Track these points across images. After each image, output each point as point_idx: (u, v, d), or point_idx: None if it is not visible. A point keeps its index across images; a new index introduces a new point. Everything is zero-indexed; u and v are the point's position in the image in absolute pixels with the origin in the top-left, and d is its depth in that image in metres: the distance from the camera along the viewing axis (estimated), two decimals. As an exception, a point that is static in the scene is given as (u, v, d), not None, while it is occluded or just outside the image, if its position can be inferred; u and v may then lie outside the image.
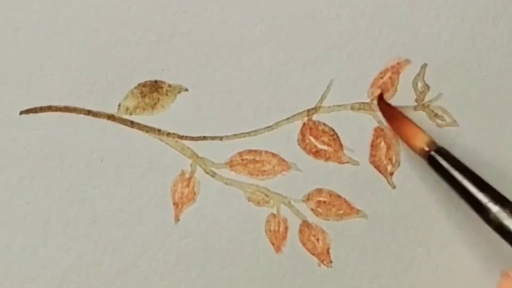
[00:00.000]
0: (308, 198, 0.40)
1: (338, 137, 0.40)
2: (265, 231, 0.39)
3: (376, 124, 0.40)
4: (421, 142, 0.37)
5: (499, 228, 0.33)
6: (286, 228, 0.40)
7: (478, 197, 0.34)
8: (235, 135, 0.39)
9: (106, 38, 0.37)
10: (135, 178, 0.38)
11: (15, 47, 0.37)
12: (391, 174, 0.40)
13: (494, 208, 0.33)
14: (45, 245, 0.38)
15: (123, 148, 0.38)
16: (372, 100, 0.40)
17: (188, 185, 0.39)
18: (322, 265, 0.40)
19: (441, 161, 0.36)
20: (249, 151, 0.39)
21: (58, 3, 0.37)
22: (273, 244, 0.39)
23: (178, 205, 0.39)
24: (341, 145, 0.40)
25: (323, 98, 0.39)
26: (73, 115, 0.38)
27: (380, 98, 0.39)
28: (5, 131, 0.37)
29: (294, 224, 0.40)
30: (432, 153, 0.37)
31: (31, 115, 0.38)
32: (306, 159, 0.40)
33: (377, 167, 0.40)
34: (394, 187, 0.40)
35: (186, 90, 0.38)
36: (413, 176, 0.40)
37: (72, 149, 0.38)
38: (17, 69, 0.37)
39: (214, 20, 0.38)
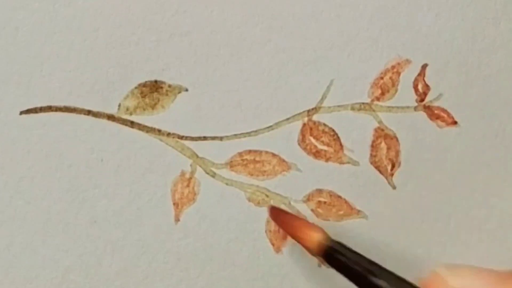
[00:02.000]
0: (308, 199, 0.40)
1: (338, 137, 0.40)
2: (265, 231, 0.39)
3: (376, 125, 0.40)
4: (313, 241, 0.36)
5: None
6: (286, 228, 0.40)
7: (378, 283, 0.34)
8: (235, 135, 0.39)
9: (106, 38, 0.37)
10: (135, 178, 0.38)
11: (15, 47, 0.37)
12: (392, 174, 0.40)
13: None
14: (45, 245, 0.38)
15: (123, 148, 0.38)
16: (372, 100, 0.40)
17: (188, 185, 0.39)
18: (322, 265, 0.40)
19: (336, 258, 0.36)
20: (249, 151, 0.39)
21: (58, 3, 0.37)
22: (273, 244, 0.39)
23: (178, 205, 0.39)
24: (341, 145, 0.40)
25: (323, 98, 0.39)
26: (73, 115, 0.38)
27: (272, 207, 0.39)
28: (5, 131, 0.37)
29: (294, 224, 0.40)
30: (324, 251, 0.36)
31: (31, 115, 0.38)
32: (306, 159, 0.39)
33: (377, 168, 0.40)
34: (394, 188, 0.40)
35: (186, 90, 0.38)
36: (413, 177, 0.40)
37: (72, 149, 0.38)
38: (17, 69, 0.37)
39: (214, 20, 0.38)
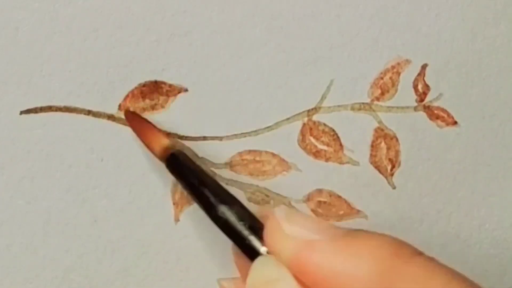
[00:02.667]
0: (308, 199, 0.40)
1: (338, 137, 0.40)
2: (265, 231, 0.39)
3: (376, 125, 0.40)
4: (160, 146, 0.37)
5: (225, 224, 0.34)
6: (286, 228, 0.40)
7: (208, 197, 0.35)
8: (235, 135, 0.39)
9: (106, 38, 0.37)
10: (135, 178, 0.38)
11: (15, 47, 0.37)
12: (391, 174, 0.40)
13: (221, 207, 0.34)
14: (45, 245, 0.38)
15: (123, 148, 0.38)
16: (372, 100, 0.40)
17: (188, 185, 0.39)
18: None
19: (177, 165, 0.36)
20: (249, 151, 0.39)
21: (58, 3, 0.37)
22: (273, 244, 0.39)
23: (178, 205, 0.39)
24: (341, 145, 0.40)
25: (323, 98, 0.39)
26: (73, 115, 0.38)
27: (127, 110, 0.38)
28: (5, 131, 0.37)
29: (294, 224, 0.40)
30: (168, 156, 0.37)
31: (31, 115, 0.38)
32: (306, 159, 0.40)
33: (377, 168, 0.40)
34: (394, 188, 0.40)
35: (186, 90, 0.38)
36: (413, 177, 0.40)
37: (72, 149, 0.38)
38: (17, 69, 0.37)
39: (214, 20, 0.38)
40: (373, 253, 0.29)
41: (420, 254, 0.29)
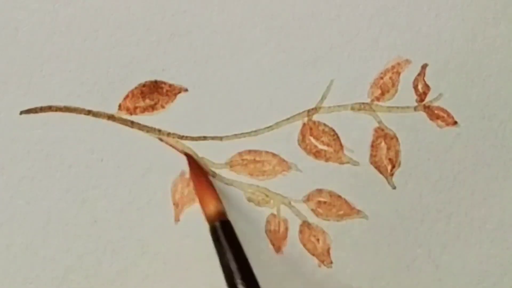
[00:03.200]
0: (308, 199, 0.40)
1: (338, 137, 0.40)
2: (265, 231, 0.39)
3: (376, 125, 0.40)
4: (215, 209, 0.37)
5: None
6: (286, 228, 0.40)
7: (234, 273, 0.36)
8: (235, 135, 0.39)
9: (106, 38, 0.37)
10: (135, 178, 0.38)
11: (15, 47, 0.37)
12: (391, 174, 0.40)
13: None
14: (45, 245, 0.38)
15: (123, 148, 0.38)
16: (372, 100, 0.40)
17: (188, 186, 0.39)
18: (322, 265, 0.40)
19: (224, 233, 0.37)
20: (249, 151, 0.39)
21: (58, 3, 0.37)
22: (273, 244, 0.39)
23: (178, 205, 0.39)
24: (341, 145, 0.40)
25: (323, 98, 0.39)
26: (73, 115, 0.38)
27: (190, 158, 0.39)
28: (5, 131, 0.37)
29: (294, 224, 0.40)
30: (216, 223, 0.37)
31: (31, 115, 0.38)
32: (306, 159, 0.39)
33: (377, 168, 0.40)
34: (394, 188, 0.40)
35: (186, 90, 0.38)
36: (413, 177, 0.40)
37: (72, 149, 0.38)
38: (17, 69, 0.37)
39: (214, 20, 0.38)
40: None
41: None
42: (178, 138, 0.39)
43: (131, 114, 0.38)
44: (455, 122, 0.40)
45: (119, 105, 0.38)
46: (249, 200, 0.39)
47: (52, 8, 0.37)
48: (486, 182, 0.40)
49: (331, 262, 0.40)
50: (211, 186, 0.38)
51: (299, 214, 0.40)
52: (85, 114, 0.38)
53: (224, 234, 0.36)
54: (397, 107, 0.40)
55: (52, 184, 0.38)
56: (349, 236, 0.40)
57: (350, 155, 0.40)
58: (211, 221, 0.37)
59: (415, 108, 0.40)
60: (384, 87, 0.40)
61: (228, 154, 0.39)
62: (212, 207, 0.37)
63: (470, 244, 0.40)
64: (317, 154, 0.40)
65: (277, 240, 0.39)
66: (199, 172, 0.39)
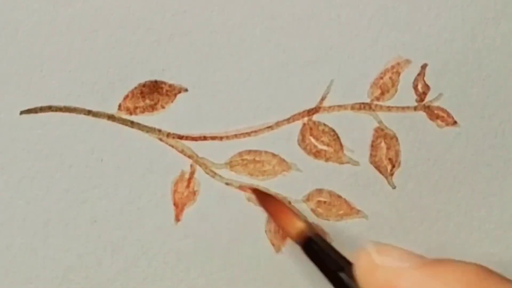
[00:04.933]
0: (308, 199, 0.40)
1: (338, 137, 0.40)
2: (265, 231, 0.39)
3: (376, 124, 0.40)
4: (296, 229, 0.38)
5: None
6: (286, 228, 0.40)
7: (347, 283, 0.36)
8: (235, 135, 0.39)
9: (106, 38, 0.37)
10: (135, 178, 0.38)
11: (15, 47, 0.37)
12: (391, 174, 0.40)
13: None
14: (45, 245, 0.38)
15: (123, 148, 0.38)
16: (372, 100, 0.40)
17: (188, 186, 0.39)
18: (322, 265, 0.40)
19: (314, 249, 0.37)
20: (249, 151, 0.39)
21: (58, 3, 0.37)
22: (273, 244, 0.39)
23: (178, 206, 0.39)
24: (341, 145, 0.40)
25: (323, 98, 0.39)
26: (73, 115, 0.38)
27: (255, 190, 0.39)
28: (5, 131, 0.37)
29: (294, 224, 0.40)
30: (306, 240, 0.37)
31: (31, 115, 0.38)
32: (306, 159, 0.39)
33: (377, 167, 0.40)
34: (394, 188, 0.40)
35: (186, 90, 0.38)
36: (413, 176, 0.40)
37: (72, 149, 0.38)
38: (17, 69, 0.37)
39: (214, 20, 0.38)
40: (460, 279, 0.30)
41: (508, 282, 0.30)
42: (178, 138, 0.39)
43: (131, 114, 0.38)
44: (455, 122, 0.40)
45: (119, 105, 0.38)
46: (249, 200, 0.39)
47: (52, 8, 0.37)
48: (486, 182, 0.40)
49: (331, 262, 0.40)
50: (285, 208, 0.39)
51: (299, 214, 0.40)
52: (85, 114, 0.38)
53: (314, 251, 0.37)
54: (397, 107, 0.40)
55: (52, 184, 0.38)
56: (349, 236, 0.40)
57: (350, 155, 0.40)
58: (299, 243, 0.37)
59: (415, 108, 0.40)
60: (384, 87, 0.40)
61: (228, 154, 0.39)
62: (293, 231, 0.37)
63: (470, 244, 0.40)
64: (317, 154, 0.40)
65: (277, 240, 0.39)
66: (270, 200, 0.39)
